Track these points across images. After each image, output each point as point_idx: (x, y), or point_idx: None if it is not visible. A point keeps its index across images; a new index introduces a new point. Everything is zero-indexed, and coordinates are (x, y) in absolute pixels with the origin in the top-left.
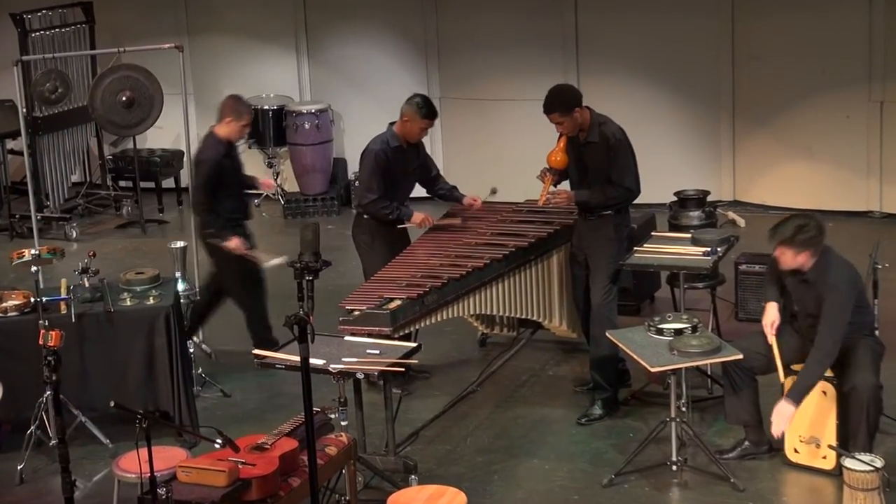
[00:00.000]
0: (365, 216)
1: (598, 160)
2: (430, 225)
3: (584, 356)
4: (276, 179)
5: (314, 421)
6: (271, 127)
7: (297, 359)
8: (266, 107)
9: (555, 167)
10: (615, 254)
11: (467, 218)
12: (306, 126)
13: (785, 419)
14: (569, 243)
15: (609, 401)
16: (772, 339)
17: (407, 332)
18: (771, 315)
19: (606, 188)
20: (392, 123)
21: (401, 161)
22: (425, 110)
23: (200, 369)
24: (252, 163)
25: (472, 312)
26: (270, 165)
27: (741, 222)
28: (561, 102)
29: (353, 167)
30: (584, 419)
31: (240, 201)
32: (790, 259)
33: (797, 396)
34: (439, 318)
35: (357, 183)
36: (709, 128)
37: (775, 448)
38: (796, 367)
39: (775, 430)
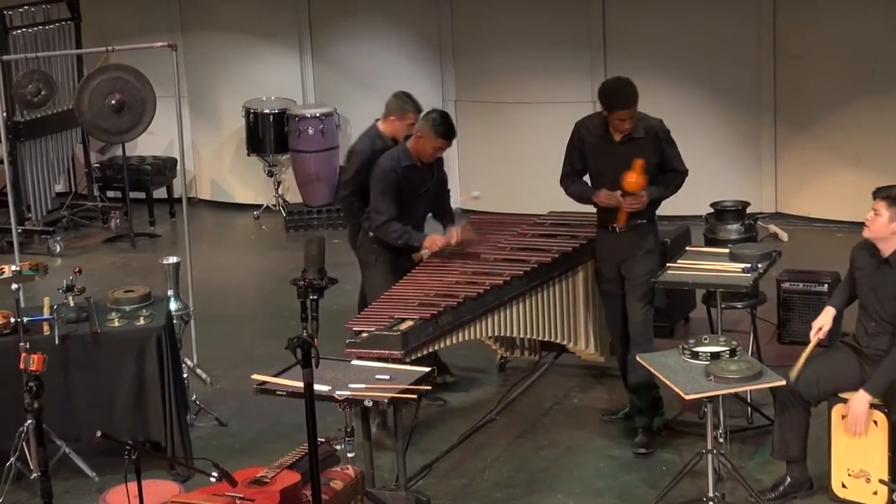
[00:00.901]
0: (370, 233)
1: (644, 156)
2: (439, 246)
3: (613, 382)
4: (276, 189)
5: (318, 452)
6: (272, 132)
7: (300, 384)
8: (266, 110)
9: (631, 191)
10: (654, 269)
11: (484, 233)
12: (310, 131)
13: (862, 412)
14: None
15: (650, 427)
16: (813, 341)
17: (420, 355)
18: (823, 319)
19: (669, 178)
20: (377, 120)
21: (413, 181)
22: (442, 129)
23: (195, 396)
24: (251, 172)
25: (490, 334)
26: (271, 174)
27: (784, 236)
28: (634, 93)
29: None
30: (641, 449)
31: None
32: (882, 224)
33: (876, 387)
34: (455, 341)
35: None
36: (748, 133)
37: (815, 487)
38: (846, 394)
39: (854, 429)
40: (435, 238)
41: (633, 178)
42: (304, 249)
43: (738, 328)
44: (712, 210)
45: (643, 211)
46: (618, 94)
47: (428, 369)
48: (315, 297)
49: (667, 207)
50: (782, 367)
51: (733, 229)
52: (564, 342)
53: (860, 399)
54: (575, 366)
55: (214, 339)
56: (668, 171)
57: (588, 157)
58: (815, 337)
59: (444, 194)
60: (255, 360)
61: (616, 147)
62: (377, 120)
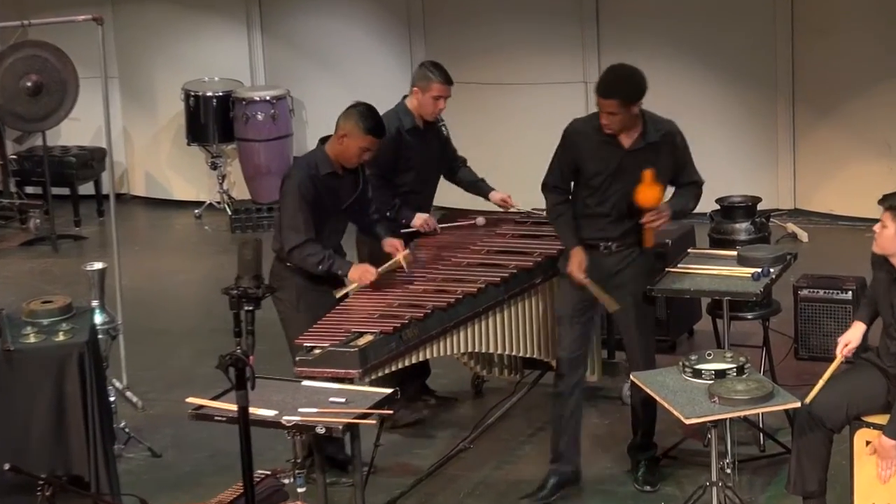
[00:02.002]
0: (288, 264)
1: (659, 165)
2: (371, 280)
3: (606, 405)
4: (221, 184)
5: (263, 487)
6: (216, 119)
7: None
8: (209, 93)
9: (648, 206)
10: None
11: (456, 234)
12: (259, 117)
13: (891, 458)
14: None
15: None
16: (838, 358)
17: (381, 374)
18: (851, 334)
19: (689, 191)
20: (405, 96)
21: (335, 192)
22: (370, 123)
23: (123, 422)
24: (191, 164)
25: (463, 350)
26: (214, 167)
27: (803, 236)
28: (626, 89)
29: None
30: (647, 487)
31: (422, 184)
32: (890, 238)
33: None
34: (422, 357)
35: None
36: (762, 119)
37: None
38: (870, 418)
39: (884, 475)
40: (365, 270)
41: (648, 192)
42: (238, 253)
43: (750, 342)
44: (718, 207)
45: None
46: (605, 79)
47: (390, 390)
48: (251, 308)
49: None
50: (799, 386)
51: (742, 228)
52: (549, 359)
53: (886, 446)
54: None
55: (147, 358)
56: (683, 185)
57: (586, 168)
58: (841, 354)
59: (368, 204)
60: (195, 382)
61: (625, 155)
62: (405, 96)
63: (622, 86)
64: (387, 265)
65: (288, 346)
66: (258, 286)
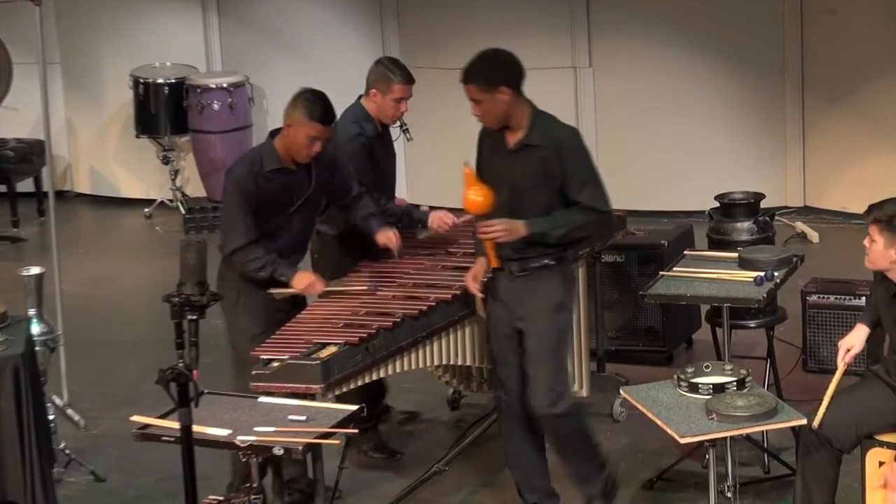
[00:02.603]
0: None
1: (539, 173)
2: (319, 292)
3: (597, 421)
4: (173, 180)
5: None
6: (167, 108)
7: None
8: (160, 80)
9: (473, 212)
10: (564, 327)
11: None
12: (215, 107)
13: None
14: (578, 260)
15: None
16: (840, 367)
17: (346, 389)
18: (853, 338)
19: (570, 214)
20: (360, 97)
21: (284, 190)
22: (317, 110)
23: (64, 443)
24: (141, 158)
25: (437, 363)
26: (166, 161)
27: (813, 236)
28: (484, 72)
29: None
30: None
31: (387, 194)
32: (879, 253)
33: None
34: (392, 371)
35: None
36: (768, 107)
37: None
38: (884, 436)
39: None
40: (312, 282)
41: (470, 195)
42: (180, 257)
43: (754, 353)
44: (718, 204)
45: (546, 249)
46: (467, 65)
47: (355, 407)
48: (194, 317)
49: (666, 201)
50: (807, 401)
51: (744, 228)
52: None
53: None
54: None
55: (91, 372)
56: (570, 204)
57: (481, 171)
58: (842, 362)
59: (357, 199)
60: (143, 398)
61: (504, 156)
62: (360, 97)
63: (480, 69)
64: (341, 288)
65: (231, 350)
66: (202, 293)
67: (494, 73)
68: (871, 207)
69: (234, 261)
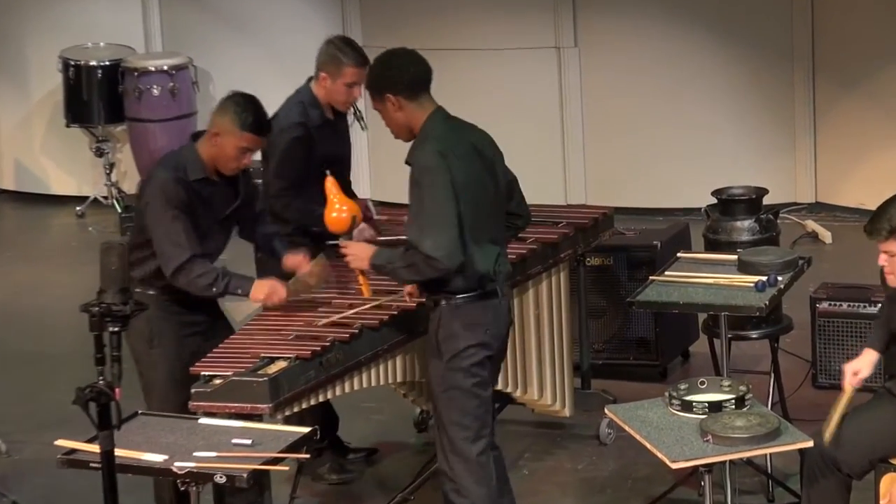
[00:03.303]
0: (151, 291)
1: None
2: (280, 300)
3: (580, 444)
4: (108, 175)
5: None
6: (101, 94)
7: (121, 453)
8: (93, 62)
9: (333, 231)
10: (454, 385)
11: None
12: (155, 92)
13: None
14: (560, 263)
15: None
16: (847, 389)
17: (297, 409)
18: (861, 362)
19: (405, 254)
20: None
21: (207, 202)
22: (249, 118)
23: None
24: (72, 150)
25: (401, 380)
26: (100, 153)
27: (826, 236)
28: (372, 77)
29: None
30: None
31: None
32: None
33: None
34: (350, 389)
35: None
36: (775, 94)
37: None
38: None
39: None
40: (273, 288)
41: (330, 209)
42: (100, 261)
43: (758, 367)
44: (715, 201)
45: (427, 283)
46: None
47: (308, 429)
48: (116, 329)
49: (659, 197)
50: (817, 421)
51: (744, 227)
52: (509, 390)
53: None
54: (526, 422)
55: (15, 390)
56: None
57: None
58: (849, 386)
59: (252, 211)
60: (73, 420)
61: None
62: (310, 78)
63: (371, 75)
64: (297, 278)
65: (143, 393)
66: (125, 301)
67: (377, 82)
68: (872, 220)
69: (180, 279)
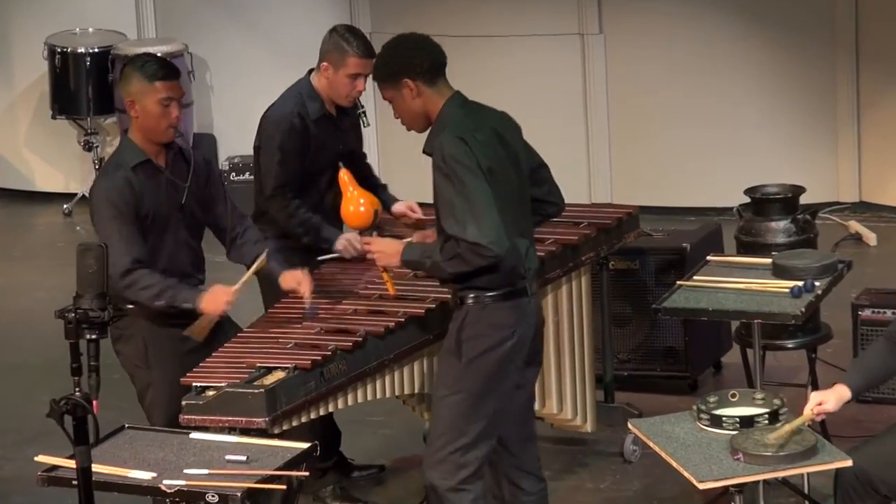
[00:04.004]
0: (131, 304)
1: (435, 189)
2: (225, 304)
3: (602, 463)
4: (97, 170)
5: None
6: (90, 83)
7: (105, 470)
8: (81, 50)
9: (349, 224)
10: (461, 390)
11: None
12: None
13: None
14: (581, 266)
15: None
16: (805, 416)
17: (295, 423)
18: (828, 395)
19: (445, 245)
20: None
21: (156, 189)
22: (150, 66)
23: None
24: (58, 143)
25: (409, 392)
26: (89, 147)
27: (870, 238)
28: (384, 62)
29: (227, 149)
30: None
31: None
32: None
33: None
34: (353, 401)
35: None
36: (816, 84)
37: None
38: None
39: None
40: (216, 295)
41: (347, 205)
42: (77, 263)
43: (795, 380)
44: (748, 200)
45: (453, 283)
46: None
47: (307, 445)
48: (94, 337)
49: (689, 195)
50: (858, 438)
51: (780, 228)
52: None
53: None
54: (545, 438)
55: None
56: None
57: None
58: (811, 412)
59: (222, 209)
60: (58, 434)
61: None
62: (310, 71)
63: (381, 61)
64: (248, 273)
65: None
66: (103, 307)
67: (398, 62)
68: None
69: (125, 290)
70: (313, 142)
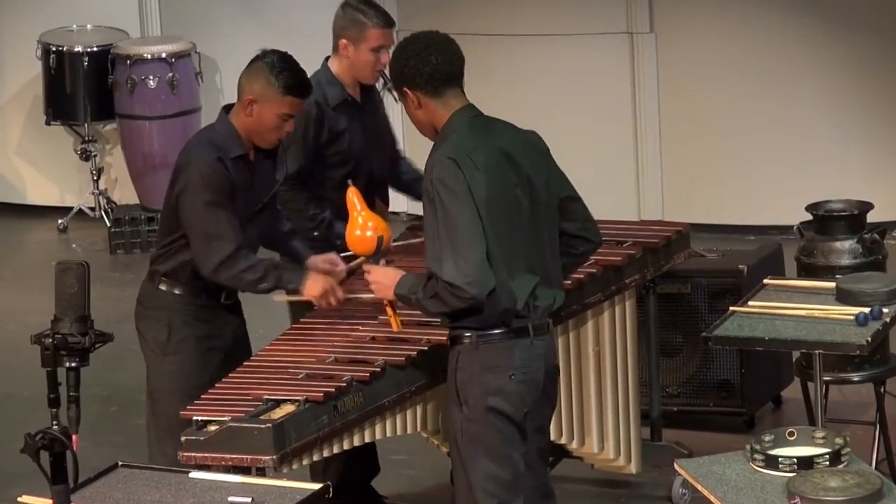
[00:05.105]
0: (177, 291)
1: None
2: (340, 302)
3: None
4: (96, 182)
5: None
6: (88, 86)
7: None
8: (78, 48)
9: (353, 250)
10: (476, 434)
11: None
12: (151, 83)
13: None
14: (625, 290)
15: None
16: None
17: (306, 461)
18: None
19: (428, 283)
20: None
21: (247, 183)
22: (288, 78)
23: None
24: (53, 151)
25: (432, 428)
26: (86, 156)
27: None
28: (390, 66)
29: None
30: None
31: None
32: None
33: None
34: (370, 438)
35: None
36: (887, 89)
37: None
38: None
39: None
40: (329, 288)
41: (353, 228)
42: (56, 283)
43: (863, 417)
44: (810, 217)
45: (448, 316)
46: None
47: (318, 486)
48: (73, 365)
49: (747, 212)
50: None
51: (845, 249)
52: (564, 441)
53: None
54: (585, 479)
55: None
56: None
57: None
58: None
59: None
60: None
61: None
62: (327, 58)
63: (391, 66)
64: (353, 264)
65: (151, 408)
66: (84, 332)
67: (398, 71)
68: None
69: (222, 274)
70: (334, 130)
